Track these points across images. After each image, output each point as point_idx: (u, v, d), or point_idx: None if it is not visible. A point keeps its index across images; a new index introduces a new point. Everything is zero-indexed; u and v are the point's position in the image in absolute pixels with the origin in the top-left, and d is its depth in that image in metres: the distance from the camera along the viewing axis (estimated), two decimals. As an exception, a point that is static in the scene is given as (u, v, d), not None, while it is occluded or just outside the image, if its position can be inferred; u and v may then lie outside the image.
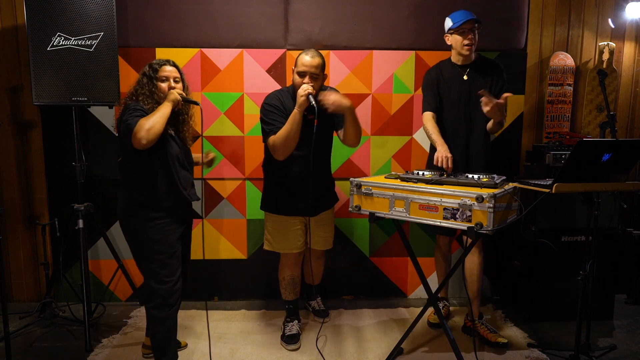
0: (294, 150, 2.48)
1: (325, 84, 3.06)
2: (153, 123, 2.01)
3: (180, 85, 2.26)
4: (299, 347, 2.64)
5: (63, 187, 3.12)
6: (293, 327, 2.73)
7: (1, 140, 3.13)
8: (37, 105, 2.66)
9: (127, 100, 2.21)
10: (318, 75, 2.46)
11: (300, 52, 2.52)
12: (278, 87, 3.09)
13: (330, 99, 2.39)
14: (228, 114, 3.15)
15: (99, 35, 2.63)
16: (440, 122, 2.70)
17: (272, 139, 2.46)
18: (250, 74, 3.12)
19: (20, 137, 3.15)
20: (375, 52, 3.16)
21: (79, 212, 2.71)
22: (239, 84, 3.13)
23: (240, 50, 3.11)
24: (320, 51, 3.08)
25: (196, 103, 2.27)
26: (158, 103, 2.16)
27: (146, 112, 2.11)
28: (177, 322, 2.30)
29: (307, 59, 2.44)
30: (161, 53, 3.06)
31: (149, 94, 2.19)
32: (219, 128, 3.16)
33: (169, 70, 2.23)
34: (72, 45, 2.60)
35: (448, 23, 2.66)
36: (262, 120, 2.55)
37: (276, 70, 3.13)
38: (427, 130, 2.67)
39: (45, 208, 3.21)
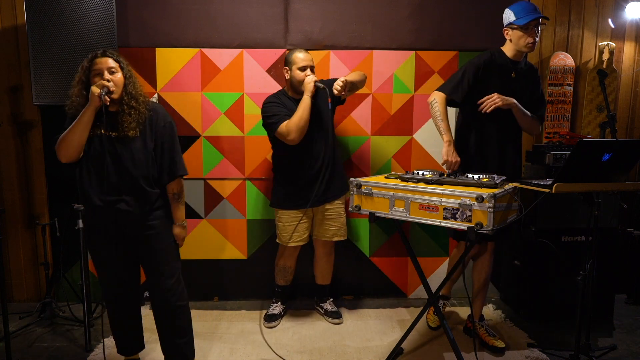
0: (310, 147, 2.70)
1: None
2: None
3: (117, 76, 1.98)
4: (276, 326, 2.89)
5: (63, 187, 3.12)
6: (276, 308, 3.00)
7: (1, 140, 3.13)
8: (37, 105, 2.67)
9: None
10: (313, 67, 2.74)
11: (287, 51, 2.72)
12: (278, 87, 3.08)
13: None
14: (228, 114, 3.15)
15: (99, 36, 2.63)
16: (476, 119, 2.50)
17: (285, 124, 2.60)
18: (250, 74, 3.12)
19: (20, 137, 3.15)
20: (375, 52, 3.16)
21: (79, 212, 2.71)
22: (239, 84, 3.12)
23: (240, 50, 3.11)
24: (320, 51, 3.12)
25: None
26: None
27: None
28: (120, 320, 2.31)
29: (303, 55, 2.70)
30: (161, 53, 3.06)
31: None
32: (219, 128, 3.15)
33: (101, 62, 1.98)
34: (72, 45, 2.60)
35: (510, 16, 2.42)
36: (266, 117, 2.70)
37: (276, 70, 3.12)
38: (434, 112, 2.43)
39: (45, 208, 3.21)
